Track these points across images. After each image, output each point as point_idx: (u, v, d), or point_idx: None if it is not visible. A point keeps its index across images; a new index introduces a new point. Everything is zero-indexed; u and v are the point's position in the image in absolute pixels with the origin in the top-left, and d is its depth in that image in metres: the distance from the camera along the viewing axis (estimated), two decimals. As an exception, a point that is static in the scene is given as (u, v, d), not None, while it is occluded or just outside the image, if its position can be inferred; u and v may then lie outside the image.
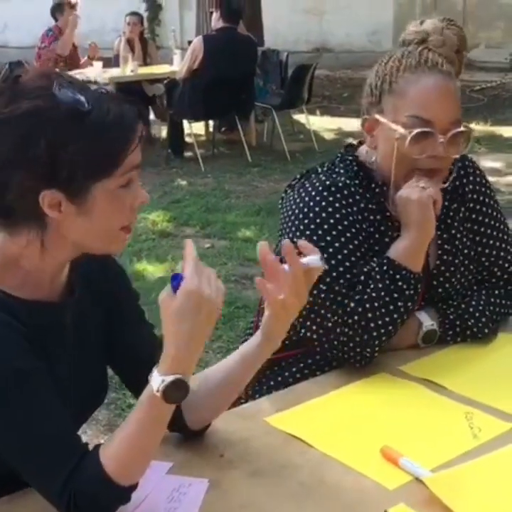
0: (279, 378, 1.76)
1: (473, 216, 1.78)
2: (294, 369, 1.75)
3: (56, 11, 7.90)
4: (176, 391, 1.12)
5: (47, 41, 7.80)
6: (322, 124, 8.26)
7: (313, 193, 1.66)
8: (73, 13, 7.86)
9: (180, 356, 1.13)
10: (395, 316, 1.60)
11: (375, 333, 1.58)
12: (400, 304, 1.60)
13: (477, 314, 1.72)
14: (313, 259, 1.27)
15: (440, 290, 1.74)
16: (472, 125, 8.43)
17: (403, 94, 1.62)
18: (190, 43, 7.75)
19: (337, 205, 1.65)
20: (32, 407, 1.15)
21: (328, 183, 1.67)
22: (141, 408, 1.15)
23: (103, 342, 1.38)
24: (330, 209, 1.64)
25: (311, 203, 1.65)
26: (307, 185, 1.69)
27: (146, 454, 1.17)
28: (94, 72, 7.45)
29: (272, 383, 1.76)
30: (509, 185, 6.25)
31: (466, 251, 1.76)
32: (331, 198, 1.65)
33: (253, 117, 7.86)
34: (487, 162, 6.82)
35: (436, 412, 1.48)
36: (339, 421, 1.45)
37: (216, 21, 7.15)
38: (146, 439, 1.16)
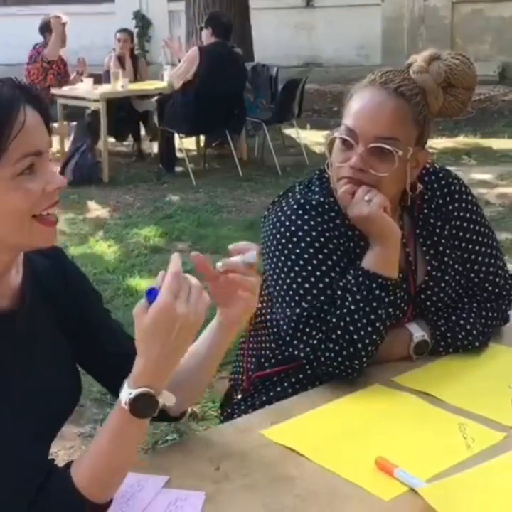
0: (271, 393, 1.77)
1: (461, 234, 1.79)
2: (285, 384, 1.76)
3: (44, 28, 7.85)
4: (144, 404, 1.12)
5: (35, 52, 7.76)
6: (312, 138, 8.29)
7: (289, 212, 1.69)
8: (60, 23, 7.75)
9: (150, 371, 1.13)
10: (378, 324, 1.61)
11: (360, 345, 1.59)
12: (380, 311, 1.61)
13: (468, 327, 1.74)
14: (248, 256, 1.27)
15: (429, 304, 1.75)
16: (461, 138, 8.50)
17: (348, 108, 1.66)
18: (180, 60, 7.79)
19: (312, 222, 1.67)
20: None
21: (302, 201, 1.70)
22: (111, 422, 1.14)
23: (68, 343, 1.37)
24: (306, 227, 1.66)
25: (287, 223, 1.67)
26: (283, 205, 1.72)
27: (120, 470, 1.17)
28: (84, 88, 7.47)
29: (264, 398, 1.77)
30: (499, 197, 6.28)
31: (456, 266, 1.77)
32: (306, 216, 1.67)
33: (244, 132, 7.88)
34: (477, 174, 6.87)
35: (430, 423, 1.48)
36: (334, 433, 1.46)
37: (208, 38, 7.17)
38: (119, 456, 1.15)
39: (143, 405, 1.12)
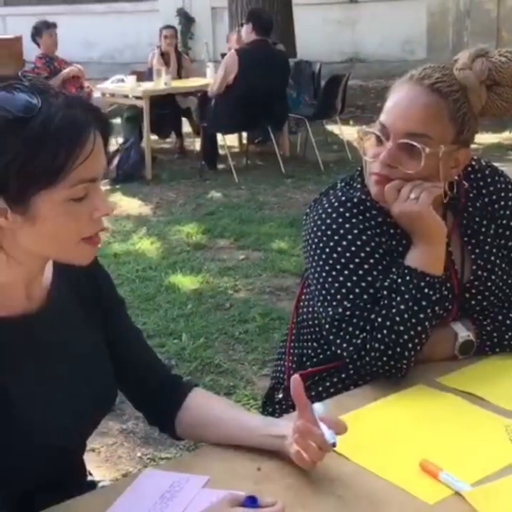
0: (313, 393, 1.74)
1: (507, 233, 1.75)
2: (327, 383, 1.74)
3: (36, 35, 7.66)
4: None
5: (39, 63, 7.64)
6: (355, 134, 8.21)
7: (330, 210, 1.66)
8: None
9: None
10: (427, 323, 1.58)
11: (410, 345, 1.56)
12: (428, 310, 1.58)
13: (515, 327, 1.70)
14: (329, 434, 1.26)
15: (474, 303, 1.72)
16: (506, 133, 8.35)
17: (385, 104, 1.64)
18: (223, 55, 7.80)
19: (354, 220, 1.65)
20: None
21: (343, 198, 1.68)
22: None
23: (102, 342, 1.39)
24: (347, 225, 1.64)
25: (328, 221, 1.65)
26: (324, 202, 1.70)
27: None
28: (128, 86, 7.52)
29: (305, 398, 1.75)
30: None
31: (502, 265, 1.73)
32: (347, 214, 1.65)
33: (286, 128, 7.87)
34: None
35: (476, 425, 1.45)
36: (377, 434, 1.43)
37: (248, 34, 7.17)
38: None
39: None
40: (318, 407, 1.30)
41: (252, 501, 1.15)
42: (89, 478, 1.54)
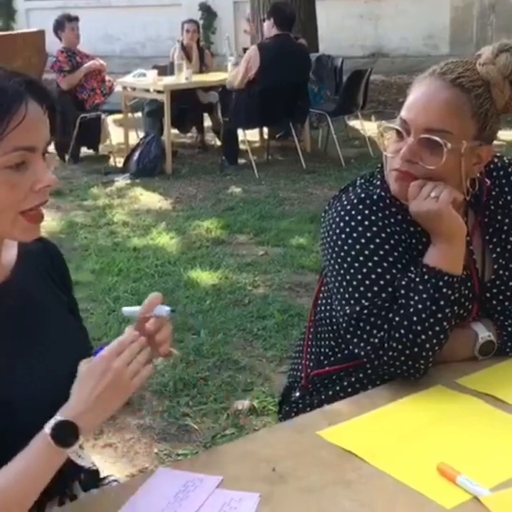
0: (330, 392, 1.73)
1: None
2: (345, 383, 1.72)
3: (57, 28, 7.64)
4: (66, 432, 1.16)
5: (61, 57, 7.64)
6: (377, 130, 8.18)
7: (349, 207, 1.64)
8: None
9: (77, 409, 1.19)
10: (445, 323, 1.56)
11: (427, 345, 1.54)
12: (447, 310, 1.56)
13: (537, 327, 1.67)
14: (161, 309, 1.33)
15: (495, 303, 1.69)
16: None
17: (406, 99, 1.62)
18: (245, 50, 7.77)
19: (373, 217, 1.62)
20: None
21: (363, 195, 1.65)
22: (29, 446, 1.17)
23: (72, 319, 1.43)
24: (366, 222, 1.62)
25: (347, 218, 1.63)
26: (343, 200, 1.67)
27: (22, 502, 1.17)
28: (150, 80, 7.51)
29: (323, 397, 1.73)
30: None
31: None
32: (366, 211, 1.63)
33: (308, 124, 7.84)
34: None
35: (495, 428, 1.43)
36: (394, 436, 1.41)
37: (269, 29, 7.14)
38: (25, 481, 1.16)
39: (64, 432, 1.17)
40: (129, 310, 1.35)
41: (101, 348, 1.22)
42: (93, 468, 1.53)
